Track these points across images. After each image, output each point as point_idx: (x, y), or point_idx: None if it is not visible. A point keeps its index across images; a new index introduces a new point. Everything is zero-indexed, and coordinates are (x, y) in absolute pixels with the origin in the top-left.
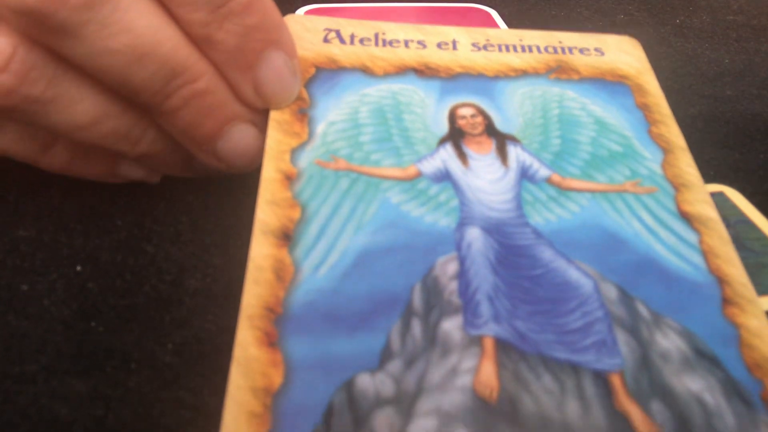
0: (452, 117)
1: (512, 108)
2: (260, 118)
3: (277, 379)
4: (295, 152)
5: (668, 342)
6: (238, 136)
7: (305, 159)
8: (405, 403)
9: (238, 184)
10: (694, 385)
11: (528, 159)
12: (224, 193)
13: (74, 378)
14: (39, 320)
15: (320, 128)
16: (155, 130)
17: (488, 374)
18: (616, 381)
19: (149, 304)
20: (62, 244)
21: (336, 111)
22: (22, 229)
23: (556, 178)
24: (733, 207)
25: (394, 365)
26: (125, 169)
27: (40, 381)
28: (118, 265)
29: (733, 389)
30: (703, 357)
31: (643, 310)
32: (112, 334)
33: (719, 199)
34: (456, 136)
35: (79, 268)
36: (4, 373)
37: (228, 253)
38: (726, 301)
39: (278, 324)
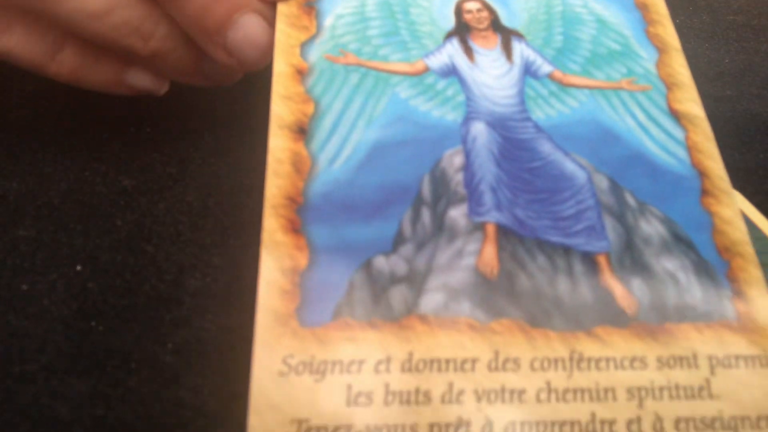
0: (458, 11)
1: (517, 3)
2: (268, 11)
3: (302, 261)
4: (304, 46)
5: (650, 228)
6: (248, 26)
7: (315, 53)
8: (416, 281)
9: (239, 185)
10: (669, 265)
11: (532, 55)
12: (224, 192)
13: (74, 378)
14: (39, 320)
15: (328, 21)
16: (166, 26)
17: (489, 255)
18: (602, 261)
19: (149, 304)
20: (62, 244)
21: (343, 4)
22: (22, 229)
23: (557, 74)
24: None
25: (406, 249)
26: (133, 76)
27: (40, 381)
28: (118, 265)
29: (703, 269)
30: (679, 241)
31: (630, 199)
32: (112, 334)
33: None
34: (462, 30)
35: (79, 268)
36: (4, 373)
37: (228, 253)
38: (704, 192)
39: (300, 213)
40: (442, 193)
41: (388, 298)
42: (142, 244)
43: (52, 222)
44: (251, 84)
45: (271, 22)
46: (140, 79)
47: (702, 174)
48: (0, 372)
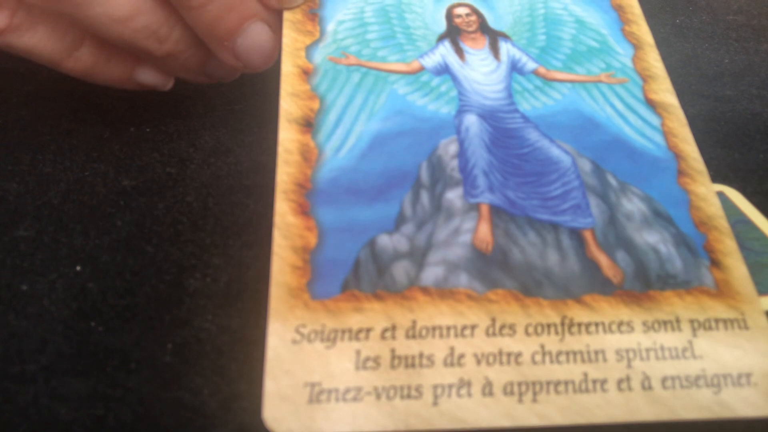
0: (449, 16)
1: (503, 7)
2: (274, 20)
3: (312, 240)
4: (309, 49)
5: (632, 205)
6: (256, 34)
7: (319, 55)
8: (418, 256)
9: (239, 185)
10: (651, 238)
11: (517, 53)
12: (224, 192)
13: (74, 378)
14: (39, 320)
15: (330, 27)
16: (181, 29)
17: (484, 232)
18: (588, 236)
19: (149, 304)
20: (62, 244)
21: (343, 11)
22: (22, 229)
23: (541, 70)
24: (733, 207)
25: (408, 228)
26: (141, 74)
27: (40, 381)
28: (118, 265)
29: (682, 241)
30: (659, 216)
31: (612, 180)
32: (112, 334)
33: (719, 199)
34: (453, 33)
35: (79, 268)
36: (4, 373)
37: (228, 253)
38: (680, 173)
39: (309, 197)
40: (439, 178)
41: (392, 272)
42: (142, 244)
43: (52, 222)
44: (252, 85)
45: (276, 31)
46: (149, 76)
47: (678, 156)
48: (0, 372)
